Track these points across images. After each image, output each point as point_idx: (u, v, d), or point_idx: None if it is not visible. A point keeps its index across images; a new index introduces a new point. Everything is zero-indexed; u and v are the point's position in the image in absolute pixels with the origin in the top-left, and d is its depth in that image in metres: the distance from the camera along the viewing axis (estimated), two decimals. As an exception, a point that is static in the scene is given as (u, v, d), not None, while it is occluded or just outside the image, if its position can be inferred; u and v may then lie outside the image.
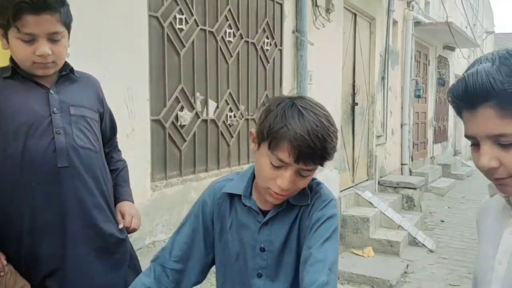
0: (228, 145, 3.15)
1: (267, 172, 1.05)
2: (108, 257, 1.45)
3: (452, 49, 9.53)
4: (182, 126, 2.72)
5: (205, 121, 2.93)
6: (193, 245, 1.19)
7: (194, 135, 2.82)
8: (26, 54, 1.28)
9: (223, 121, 3.10)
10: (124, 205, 1.56)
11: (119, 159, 1.64)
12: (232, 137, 3.18)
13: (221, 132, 3.08)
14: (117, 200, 1.56)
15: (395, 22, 6.51)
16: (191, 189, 2.76)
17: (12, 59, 1.34)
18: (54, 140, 1.32)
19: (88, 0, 2.01)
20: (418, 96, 7.46)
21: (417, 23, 7.16)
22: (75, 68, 1.44)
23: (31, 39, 1.27)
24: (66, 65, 1.41)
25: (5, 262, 1.30)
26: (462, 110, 0.83)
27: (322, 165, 1.05)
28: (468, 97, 0.79)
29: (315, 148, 0.99)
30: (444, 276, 3.95)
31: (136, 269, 1.58)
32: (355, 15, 5.33)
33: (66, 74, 1.40)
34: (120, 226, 1.50)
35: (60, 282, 1.37)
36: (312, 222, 1.09)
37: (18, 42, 1.28)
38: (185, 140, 2.75)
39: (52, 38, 1.29)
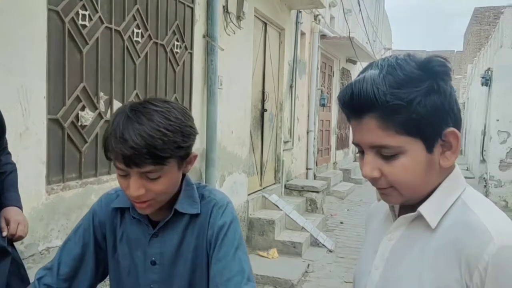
0: (134, 147, 3.07)
1: (121, 183, 1.01)
2: None
3: (354, 62, 10.24)
4: (83, 127, 2.61)
5: (108, 121, 2.83)
6: (82, 260, 1.12)
7: (96, 136, 2.71)
8: None
9: (129, 123, 3.02)
10: (9, 211, 1.50)
11: (7, 161, 1.57)
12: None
13: (126, 134, 3.00)
14: (2, 205, 1.50)
15: (303, 34, 6.84)
16: (91, 192, 2.64)
17: None
18: None
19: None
20: (323, 105, 7.89)
21: (323, 36, 7.58)
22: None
23: None
24: None
25: None
26: (349, 117, 0.81)
27: (163, 163, 0.97)
28: (353, 105, 0.77)
29: (138, 148, 0.93)
30: (341, 274, 4.22)
31: (21, 277, 1.49)
32: (266, 24, 5.50)
33: None
34: (4, 234, 1.43)
35: None
36: (216, 232, 1.07)
37: None
38: (86, 141, 2.63)
39: None
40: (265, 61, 5.58)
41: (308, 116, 7.35)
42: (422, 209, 0.80)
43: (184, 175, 1.12)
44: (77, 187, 2.54)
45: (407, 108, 0.74)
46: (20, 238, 1.51)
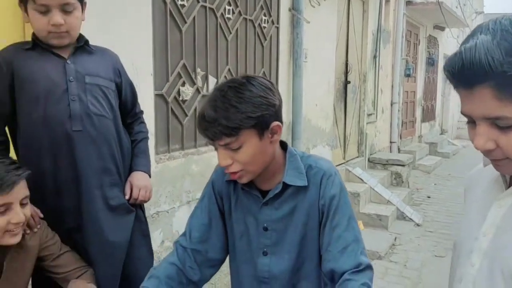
0: (227, 120, 3.23)
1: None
2: (114, 217, 1.53)
3: (442, 29, 9.63)
4: (184, 101, 2.79)
5: (205, 96, 3.00)
6: (210, 226, 1.23)
7: (195, 110, 2.89)
8: (41, 25, 1.36)
9: (222, 97, 3.17)
10: (134, 176, 1.62)
11: (139, 130, 1.69)
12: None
13: (220, 108, 3.15)
14: (131, 170, 1.63)
15: (387, 1, 6.57)
16: (192, 163, 2.85)
17: (33, 34, 1.41)
18: (69, 106, 1.40)
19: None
20: (408, 75, 7.58)
21: (409, 2, 7.22)
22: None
23: (45, 10, 1.35)
24: (81, 37, 1.49)
25: (41, 215, 1.41)
26: (458, 87, 0.75)
27: (235, 134, 1.03)
28: (464, 75, 0.72)
29: (210, 121, 1.02)
30: (430, 248, 4.15)
31: (143, 232, 1.66)
32: (349, -7, 5.37)
33: (82, 46, 1.47)
34: (126, 197, 1.58)
35: (81, 235, 1.49)
36: (328, 202, 1.12)
37: (34, 13, 1.36)
38: (186, 115, 2.82)
39: (65, 9, 1.37)
40: (349, 31, 5.47)
41: (392, 87, 7.11)
42: None
43: (285, 147, 1.19)
44: (180, 157, 2.75)
45: None
46: (142, 201, 1.64)
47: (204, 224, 1.23)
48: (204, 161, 2.95)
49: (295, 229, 1.16)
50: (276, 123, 1.10)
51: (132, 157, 1.64)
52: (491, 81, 0.69)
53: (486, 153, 0.77)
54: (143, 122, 1.73)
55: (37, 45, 1.41)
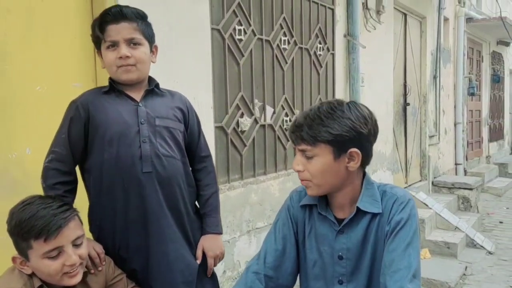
0: (285, 148, 3.25)
1: None
2: (182, 258, 1.55)
3: (506, 44, 9.17)
4: (243, 132, 2.85)
5: (263, 126, 3.05)
6: (284, 252, 1.24)
7: (253, 140, 2.94)
8: (111, 60, 1.46)
9: (280, 126, 3.21)
10: (207, 241, 1.61)
11: (208, 183, 1.65)
12: (288, 140, 3.28)
13: (278, 136, 3.19)
14: (203, 231, 1.63)
15: (446, 20, 6.38)
16: (251, 192, 2.88)
17: (109, 78, 1.51)
18: (140, 148, 1.47)
19: (157, 17, 2.17)
20: (472, 94, 7.25)
21: (469, 19, 6.97)
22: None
23: (114, 46, 1.45)
24: (152, 80, 1.57)
25: (103, 254, 1.46)
26: None
27: (313, 143, 1.12)
28: None
29: (298, 126, 1.13)
30: (505, 278, 3.86)
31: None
32: (405, 15, 5.28)
33: (152, 89, 1.55)
34: (198, 261, 1.58)
35: (145, 276, 1.52)
36: (392, 226, 1.12)
37: (106, 52, 1.47)
38: (245, 145, 2.88)
39: (131, 43, 1.46)
40: (406, 53, 5.36)
41: (455, 107, 6.83)
42: None
43: (364, 175, 1.20)
44: (240, 187, 2.79)
45: None
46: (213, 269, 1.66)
47: (278, 250, 1.25)
48: (263, 190, 2.97)
49: (366, 256, 1.17)
50: (355, 149, 1.13)
51: (203, 215, 1.64)
52: None
53: None
54: (211, 172, 1.68)
55: (113, 88, 1.51)
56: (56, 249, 1.24)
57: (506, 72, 9.62)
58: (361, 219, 1.17)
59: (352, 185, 1.18)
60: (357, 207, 1.16)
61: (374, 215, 1.16)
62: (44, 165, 1.47)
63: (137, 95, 1.52)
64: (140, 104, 1.50)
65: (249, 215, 2.84)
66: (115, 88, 1.50)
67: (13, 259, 1.28)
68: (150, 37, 1.53)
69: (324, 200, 1.21)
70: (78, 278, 1.30)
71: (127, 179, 1.46)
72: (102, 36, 1.45)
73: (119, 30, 1.44)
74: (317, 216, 1.22)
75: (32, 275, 1.27)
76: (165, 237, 1.51)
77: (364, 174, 1.21)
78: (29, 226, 1.22)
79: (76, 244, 1.29)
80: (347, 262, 1.18)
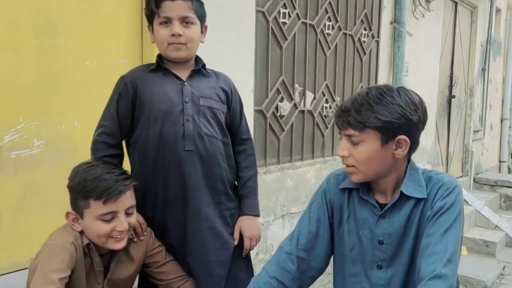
0: (323, 135, 3.22)
1: None
2: (217, 237, 1.57)
3: None
4: (281, 116, 2.84)
5: (302, 112, 3.03)
6: (317, 234, 1.24)
7: (292, 125, 2.92)
8: (163, 36, 1.47)
9: (319, 112, 3.17)
10: (244, 222, 1.62)
11: (247, 165, 1.66)
12: (327, 128, 3.24)
13: (317, 123, 3.16)
14: (241, 212, 1.64)
15: (498, 10, 6.08)
16: (287, 177, 2.88)
17: (157, 56, 1.53)
18: (184, 126, 1.48)
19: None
20: (522, 89, 6.91)
21: (524, 10, 6.61)
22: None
23: (167, 22, 1.46)
24: (199, 60, 1.58)
25: (145, 226, 1.51)
26: None
27: (360, 129, 1.09)
28: None
29: (345, 110, 1.10)
30: (546, 282, 3.71)
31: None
32: (456, 3, 5.07)
33: (199, 69, 1.56)
34: (235, 242, 1.60)
35: (184, 251, 1.56)
36: (435, 211, 1.10)
37: (158, 27, 1.48)
38: (283, 130, 2.87)
39: (184, 22, 1.47)
40: (455, 43, 5.15)
41: (502, 102, 6.54)
42: None
43: (409, 161, 1.18)
44: (276, 171, 2.79)
45: None
46: (250, 250, 1.67)
47: (311, 232, 1.25)
48: (299, 175, 2.96)
49: (408, 241, 1.15)
50: (403, 136, 1.11)
51: (241, 196, 1.64)
52: None
53: None
54: (251, 155, 1.68)
55: (160, 66, 1.53)
56: (111, 213, 1.31)
57: (561, 67, 9.08)
58: (404, 204, 1.14)
59: (397, 172, 1.16)
60: (401, 192, 1.14)
61: (418, 200, 1.13)
62: (94, 138, 1.51)
63: (183, 74, 1.53)
64: (186, 83, 1.52)
65: (284, 199, 2.84)
66: (162, 66, 1.52)
67: (67, 214, 1.35)
68: (202, 17, 1.54)
69: (366, 184, 1.20)
70: (122, 244, 1.36)
71: (169, 156, 1.49)
72: (156, 11, 1.46)
73: (174, 7, 1.45)
74: (358, 200, 1.20)
75: (81, 233, 1.34)
76: (202, 216, 1.54)
77: (409, 160, 1.18)
78: (92, 186, 1.29)
79: (128, 213, 1.36)
80: (387, 247, 1.16)
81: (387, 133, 1.09)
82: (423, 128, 1.16)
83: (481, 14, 5.57)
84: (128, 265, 1.45)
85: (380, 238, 1.17)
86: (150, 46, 1.92)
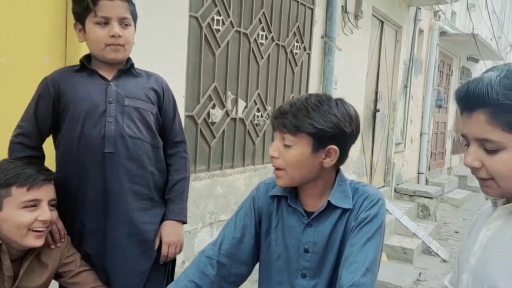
0: (254, 143, 3.25)
1: None
2: (137, 244, 1.50)
3: (476, 60, 9.48)
4: (213, 123, 2.83)
5: (234, 119, 3.03)
6: (242, 241, 1.23)
7: (223, 132, 2.92)
8: (100, 36, 1.41)
9: (251, 121, 3.20)
10: (166, 229, 1.54)
11: (178, 168, 1.59)
12: (258, 136, 3.27)
13: (248, 131, 3.18)
14: (165, 217, 1.56)
15: (421, 31, 6.53)
16: (217, 184, 2.86)
17: (82, 57, 1.47)
18: (105, 127, 1.43)
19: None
20: (440, 106, 7.46)
21: (443, 33, 7.15)
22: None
23: (105, 22, 1.40)
24: (128, 60, 1.52)
25: (65, 232, 1.43)
26: (462, 110, 0.89)
27: (293, 133, 1.10)
28: (467, 100, 0.86)
29: (281, 112, 1.12)
30: (456, 286, 3.99)
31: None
32: (382, 22, 5.37)
33: (127, 69, 1.50)
34: (155, 247, 1.53)
35: (101, 260, 1.48)
36: (358, 221, 1.12)
37: (94, 26, 1.41)
38: (214, 137, 2.85)
39: (123, 23, 1.42)
40: (380, 60, 5.45)
41: (422, 117, 7.01)
42: None
43: (338, 172, 1.20)
44: (206, 178, 2.77)
45: None
46: (169, 259, 1.58)
47: (235, 238, 1.24)
48: (229, 183, 2.96)
49: (332, 251, 1.17)
50: (334, 146, 1.12)
51: (167, 200, 1.57)
52: (487, 108, 0.83)
53: (474, 171, 0.89)
54: (183, 158, 1.61)
55: (85, 67, 1.46)
56: (35, 200, 1.28)
57: (473, 88, 9.91)
58: (331, 213, 1.16)
59: (323, 180, 1.18)
60: (328, 201, 1.16)
61: (344, 211, 1.16)
62: (11, 139, 1.45)
63: (109, 74, 1.48)
64: (111, 83, 1.46)
65: (213, 207, 2.82)
66: (86, 67, 1.46)
67: None
68: (136, 19, 1.50)
69: (294, 192, 1.21)
70: (41, 241, 1.31)
71: (89, 158, 1.43)
72: (93, 9, 1.39)
73: (114, 7, 1.40)
74: (286, 208, 1.21)
75: None
76: (122, 221, 1.47)
77: (338, 171, 1.21)
78: (14, 173, 1.27)
79: (51, 205, 1.33)
80: (312, 256, 1.17)
81: (319, 140, 1.11)
82: (354, 141, 1.18)
83: (405, 34, 5.94)
84: (41, 273, 1.37)
85: (306, 247, 1.18)
86: (74, 44, 1.83)
